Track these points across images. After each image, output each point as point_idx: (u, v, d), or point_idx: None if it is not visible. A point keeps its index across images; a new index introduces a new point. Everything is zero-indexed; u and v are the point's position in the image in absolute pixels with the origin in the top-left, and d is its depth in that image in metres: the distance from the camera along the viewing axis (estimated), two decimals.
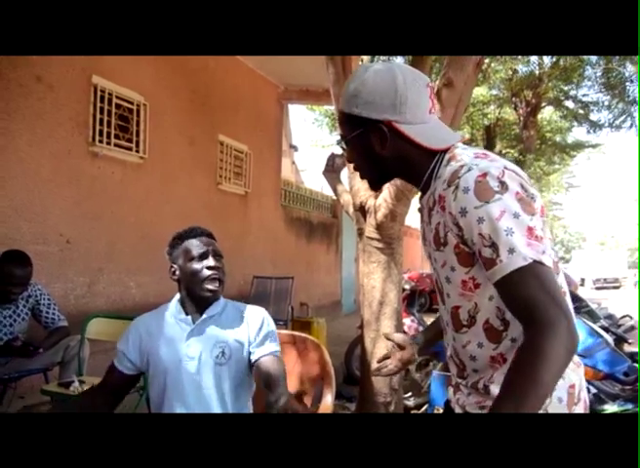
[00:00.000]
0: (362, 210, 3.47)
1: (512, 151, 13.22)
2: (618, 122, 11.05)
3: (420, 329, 4.79)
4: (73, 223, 4.60)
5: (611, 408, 2.90)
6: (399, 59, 7.21)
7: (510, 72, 11.01)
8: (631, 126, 10.81)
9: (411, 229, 15.34)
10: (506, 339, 1.10)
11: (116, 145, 5.04)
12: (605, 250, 44.11)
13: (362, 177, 1.30)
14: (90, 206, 4.76)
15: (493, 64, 10.07)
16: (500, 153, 12.65)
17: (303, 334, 2.16)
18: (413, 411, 3.96)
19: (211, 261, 1.77)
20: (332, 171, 4.16)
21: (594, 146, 14.71)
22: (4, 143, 4.05)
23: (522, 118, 12.17)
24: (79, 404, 1.90)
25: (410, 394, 4.08)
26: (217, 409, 1.72)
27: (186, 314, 1.80)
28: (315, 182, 12.05)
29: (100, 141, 4.83)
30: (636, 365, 3.32)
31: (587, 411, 1.15)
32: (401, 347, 1.64)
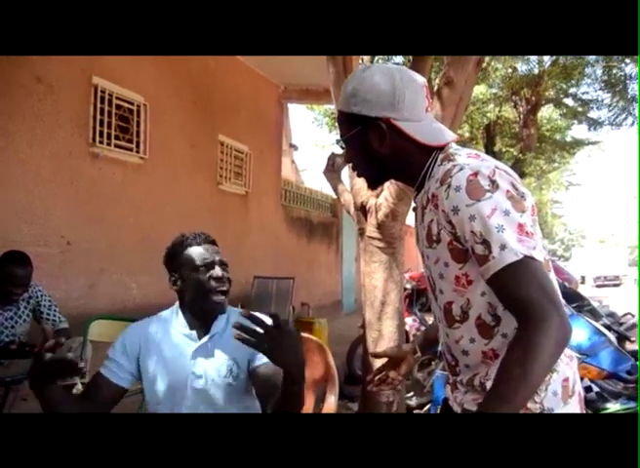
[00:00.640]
0: (363, 209, 3.46)
1: (512, 150, 13.21)
2: (618, 120, 11.04)
3: (422, 328, 4.79)
4: (74, 225, 4.60)
5: (613, 406, 2.90)
6: (399, 59, 7.21)
7: (510, 70, 11.00)
8: (632, 124, 10.79)
9: (411, 229, 15.24)
10: (498, 335, 1.13)
11: (117, 146, 5.04)
12: (605, 247, 44.11)
13: (359, 176, 1.33)
14: (90, 207, 4.76)
15: (492, 63, 10.06)
16: (499, 151, 12.66)
17: (307, 335, 2.16)
18: (415, 411, 3.96)
19: (218, 271, 1.64)
20: (332, 170, 4.16)
21: (594, 144, 14.71)
22: (4, 144, 4.05)
23: (522, 116, 12.17)
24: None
25: (412, 393, 4.08)
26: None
27: (190, 328, 1.68)
28: (315, 182, 12.05)
29: (101, 142, 4.83)
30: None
31: (582, 404, 1.18)
32: (396, 360, 1.62)
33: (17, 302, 3.33)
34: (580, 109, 12.02)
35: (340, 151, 4.84)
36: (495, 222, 1.02)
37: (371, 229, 3.40)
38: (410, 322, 4.85)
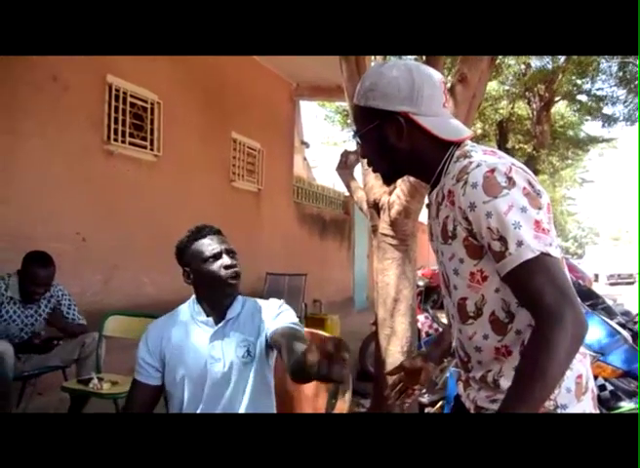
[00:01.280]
0: (376, 206, 3.47)
1: (525, 146, 13.11)
2: (633, 116, 10.93)
3: (435, 325, 4.78)
4: (89, 221, 4.65)
5: (627, 405, 2.89)
6: (411, 58, 7.18)
7: (524, 67, 10.92)
8: None
9: (424, 226, 15.16)
10: (511, 331, 1.13)
11: (131, 144, 5.09)
12: (619, 245, 43.64)
13: (375, 171, 1.33)
14: (105, 204, 4.81)
15: (506, 60, 9.99)
16: (512, 148, 12.56)
17: (320, 332, 2.17)
18: (427, 408, 3.96)
19: (227, 260, 1.70)
20: (345, 167, 4.17)
21: (608, 141, 14.56)
22: (20, 142, 4.10)
23: (535, 113, 12.07)
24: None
25: (424, 391, 4.08)
26: (241, 409, 1.69)
27: (207, 316, 1.74)
28: (327, 179, 12.04)
29: (115, 140, 4.87)
30: None
31: (595, 401, 1.18)
32: (412, 370, 1.58)
33: (37, 301, 3.38)
34: (594, 105, 11.91)
35: (353, 148, 4.84)
36: (511, 219, 1.02)
37: (384, 226, 3.40)
38: (422, 319, 4.85)
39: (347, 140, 14.97)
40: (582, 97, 12.13)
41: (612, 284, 25.03)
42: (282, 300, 1.84)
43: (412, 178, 3.03)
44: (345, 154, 4.23)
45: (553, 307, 0.97)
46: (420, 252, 3.60)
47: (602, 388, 2.92)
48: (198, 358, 1.69)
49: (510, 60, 10.28)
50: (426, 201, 1.33)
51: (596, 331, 3.19)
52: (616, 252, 29.09)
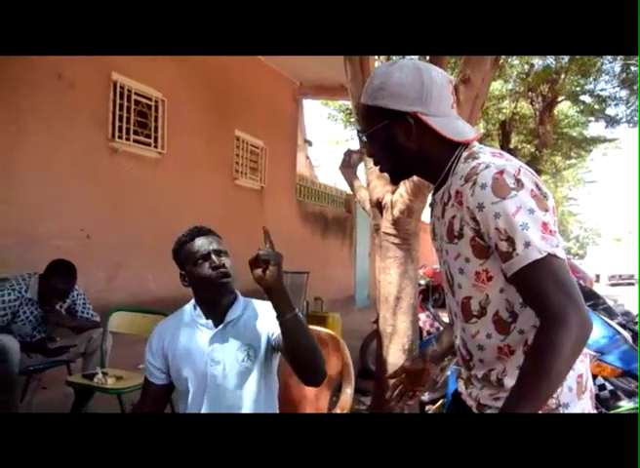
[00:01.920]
0: (379, 205, 3.48)
1: (528, 146, 13.09)
2: (636, 118, 10.91)
3: (436, 324, 4.81)
4: (93, 219, 4.67)
5: (627, 404, 2.90)
6: (414, 57, 7.18)
7: (527, 67, 10.89)
8: None
9: (426, 225, 15.19)
10: (515, 331, 1.14)
11: (135, 141, 5.11)
12: (621, 246, 43.55)
13: (382, 171, 1.33)
14: (109, 201, 4.83)
15: (509, 59, 9.98)
16: (515, 148, 12.54)
17: (323, 329, 2.19)
18: (428, 406, 3.98)
19: (214, 260, 1.69)
20: (348, 166, 4.18)
21: (611, 141, 14.53)
22: (24, 140, 4.13)
23: (538, 113, 12.04)
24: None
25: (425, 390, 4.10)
26: (243, 411, 1.68)
27: (207, 318, 1.74)
28: (329, 177, 12.06)
29: (120, 137, 4.90)
30: None
31: (593, 400, 1.20)
32: (413, 372, 1.57)
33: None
34: (597, 106, 11.89)
35: (356, 147, 4.84)
36: (519, 220, 1.04)
37: (386, 225, 3.41)
38: (423, 318, 4.87)
39: (350, 139, 14.98)
40: (586, 98, 12.10)
41: (613, 284, 24.97)
42: None
43: (415, 178, 3.04)
44: (349, 153, 4.24)
45: (559, 308, 0.99)
46: (421, 251, 3.61)
47: (602, 387, 2.94)
48: (199, 360, 1.70)
49: (514, 60, 10.26)
50: (429, 200, 1.34)
51: (596, 331, 3.21)
52: (617, 252, 28.99)
